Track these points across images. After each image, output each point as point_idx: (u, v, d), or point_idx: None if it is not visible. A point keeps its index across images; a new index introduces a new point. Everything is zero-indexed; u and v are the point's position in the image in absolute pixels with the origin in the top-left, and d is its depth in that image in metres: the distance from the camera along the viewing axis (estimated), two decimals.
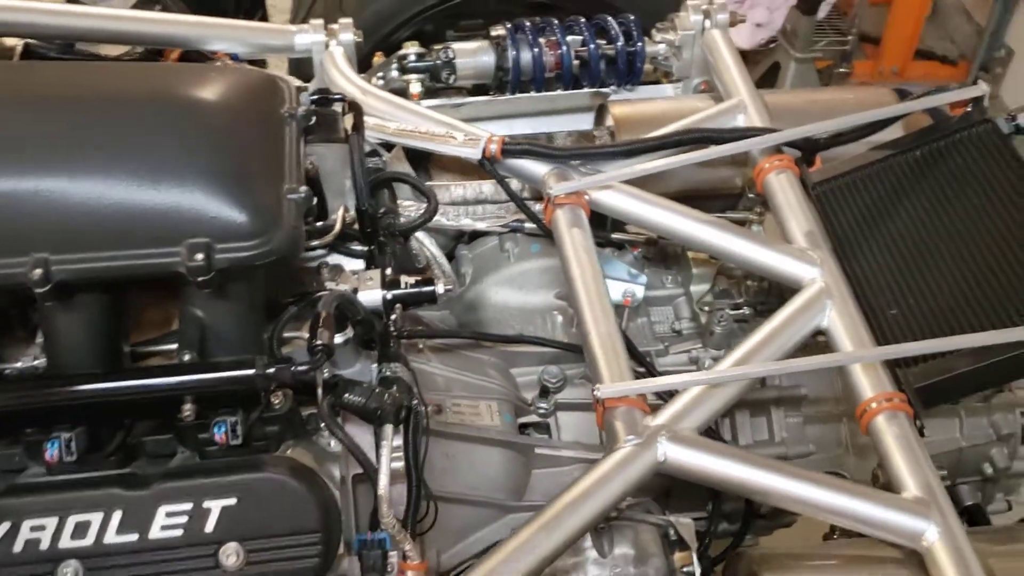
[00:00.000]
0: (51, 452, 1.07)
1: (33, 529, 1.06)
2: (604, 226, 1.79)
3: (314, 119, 1.28)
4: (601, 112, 1.93)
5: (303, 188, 1.14)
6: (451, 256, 1.82)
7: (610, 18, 1.91)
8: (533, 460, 1.57)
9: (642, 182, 1.62)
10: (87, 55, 1.78)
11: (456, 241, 1.84)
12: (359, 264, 1.43)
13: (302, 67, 1.98)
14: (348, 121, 1.40)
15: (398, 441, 1.21)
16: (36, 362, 1.19)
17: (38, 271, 1.02)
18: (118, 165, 1.05)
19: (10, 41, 1.75)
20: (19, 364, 1.20)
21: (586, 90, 1.91)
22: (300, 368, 1.11)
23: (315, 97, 1.36)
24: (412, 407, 1.24)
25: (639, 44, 1.89)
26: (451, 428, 1.48)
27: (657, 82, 2.05)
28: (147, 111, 1.10)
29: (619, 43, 1.88)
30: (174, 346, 1.20)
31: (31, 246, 1.02)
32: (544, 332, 1.70)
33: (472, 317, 1.75)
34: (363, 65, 1.96)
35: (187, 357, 1.11)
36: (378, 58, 1.99)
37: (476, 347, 1.65)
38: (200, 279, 1.05)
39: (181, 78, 1.18)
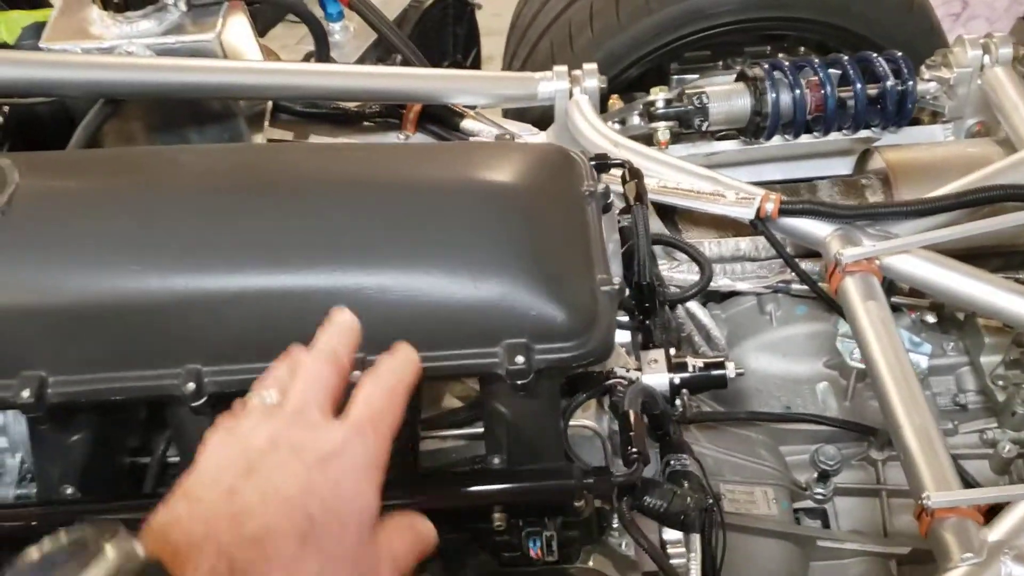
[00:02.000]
0: None
1: None
2: None
3: (612, 197, 1.17)
4: (864, 157, 1.77)
5: (616, 279, 1.04)
6: None
7: (875, 55, 1.74)
8: (812, 552, 1.43)
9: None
10: (332, 109, 1.76)
11: (705, 300, 1.72)
12: (626, 336, 1.33)
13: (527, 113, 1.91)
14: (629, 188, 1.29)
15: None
16: None
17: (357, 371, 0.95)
18: (432, 262, 0.97)
19: None
20: None
21: (849, 136, 1.75)
22: (619, 478, 1.01)
23: (593, 163, 1.25)
24: (710, 507, 1.13)
25: (910, 83, 1.72)
26: (729, 518, 1.36)
27: (918, 122, 1.87)
28: (453, 200, 1.01)
29: (888, 82, 1.70)
30: (448, 432, 1.13)
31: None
32: (814, 405, 1.56)
33: (729, 386, 1.62)
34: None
35: (496, 461, 1.02)
36: (614, 102, 1.88)
37: (744, 423, 1.52)
38: (519, 382, 0.96)
39: (475, 160, 1.08)
